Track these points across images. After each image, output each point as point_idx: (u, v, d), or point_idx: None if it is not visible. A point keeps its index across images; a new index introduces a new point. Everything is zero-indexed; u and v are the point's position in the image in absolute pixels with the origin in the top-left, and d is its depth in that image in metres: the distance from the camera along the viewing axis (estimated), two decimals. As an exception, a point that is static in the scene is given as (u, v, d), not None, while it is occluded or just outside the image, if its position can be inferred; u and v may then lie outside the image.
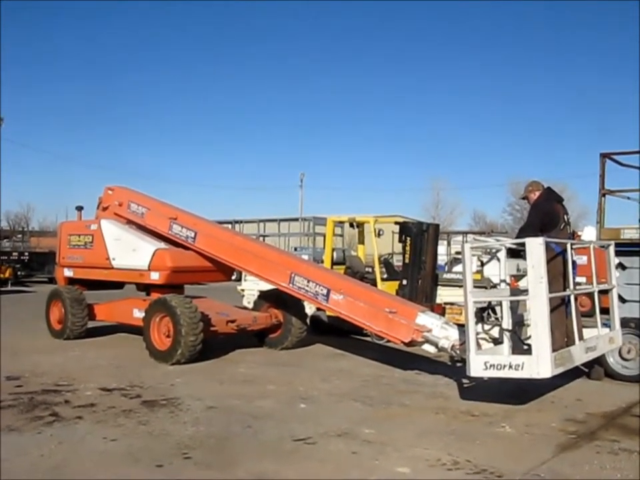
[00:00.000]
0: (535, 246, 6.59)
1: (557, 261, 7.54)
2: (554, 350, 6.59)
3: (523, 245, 6.86)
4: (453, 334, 7.86)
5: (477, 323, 7.09)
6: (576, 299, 7.58)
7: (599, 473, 5.21)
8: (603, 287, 8.31)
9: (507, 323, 7.43)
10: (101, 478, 4.87)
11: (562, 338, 7.43)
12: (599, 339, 7.91)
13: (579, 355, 7.31)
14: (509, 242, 7.75)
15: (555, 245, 7.53)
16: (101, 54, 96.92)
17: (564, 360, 6.87)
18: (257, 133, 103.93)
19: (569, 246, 7.57)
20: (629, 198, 9.95)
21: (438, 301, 12.71)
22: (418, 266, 11.77)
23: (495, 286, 8.09)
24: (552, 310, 6.81)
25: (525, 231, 7.98)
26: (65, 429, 6.16)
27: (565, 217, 8.14)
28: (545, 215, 7.96)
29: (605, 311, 8.32)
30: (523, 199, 8.55)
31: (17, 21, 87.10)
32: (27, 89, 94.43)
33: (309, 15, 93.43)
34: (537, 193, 8.23)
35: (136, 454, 5.45)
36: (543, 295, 6.48)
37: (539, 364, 6.44)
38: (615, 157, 9.64)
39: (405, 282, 11.78)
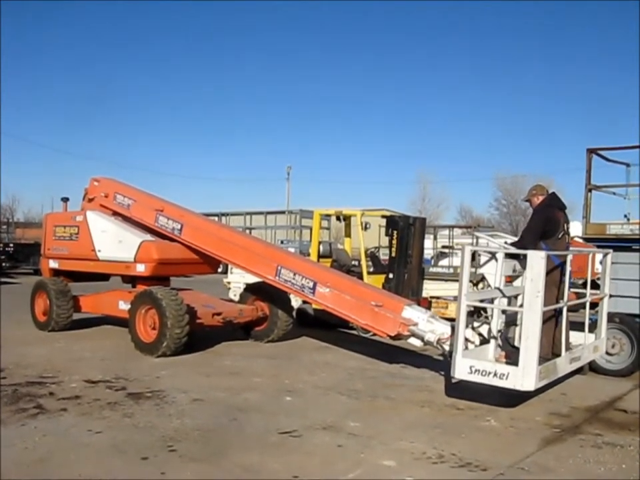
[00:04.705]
0: (537, 260, 6.48)
1: (554, 273, 7.50)
2: (540, 357, 6.56)
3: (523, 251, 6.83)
4: (439, 328, 7.88)
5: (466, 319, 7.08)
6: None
7: (583, 467, 5.24)
8: (595, 296, 8.33)
9: (495, 325, 7.43)
10: (85, 470, 4.84)
11: (549, 346, 7.42)
12: (584, 349, 7.96)
13: (563, 366, 7.33)
14: (511, 249, 7.69)
15: (554, 257, 7.48)
16: (89, 46, 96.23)
17: (548, 373, 6.87)
18: (244, 125, 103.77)
19: (568, 258, 7.54)
20: (614, 193, 10.00)
21: (424, 294, 12.78)
22: (404, 259, 11.80)
23: (484, 280, 8.07)
24: (544, 321, 6.79)
25: (524, 236, 7.95)
26: (49, 421, 6.13)
27: (565, 225, 7.99)
28: (546, 222, 7.85)
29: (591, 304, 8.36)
30: (526, 201, 8.46)
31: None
32: (11, 79, 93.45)
33: (296, 10, 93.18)
34: (540, 198, 8.08)
35: (121, 446, 5.43)
36: (537, 310, 6.42)
37: (524, 376, 6.41)
38: (601, 152, 9.68)
39: (391, 275, 11.80)
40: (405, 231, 11.87)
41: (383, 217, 13.47)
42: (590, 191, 9.34)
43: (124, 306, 10.44)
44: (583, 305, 8.24)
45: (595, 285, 8.74)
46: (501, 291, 7.37)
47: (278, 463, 5.12)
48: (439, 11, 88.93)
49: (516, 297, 7.59)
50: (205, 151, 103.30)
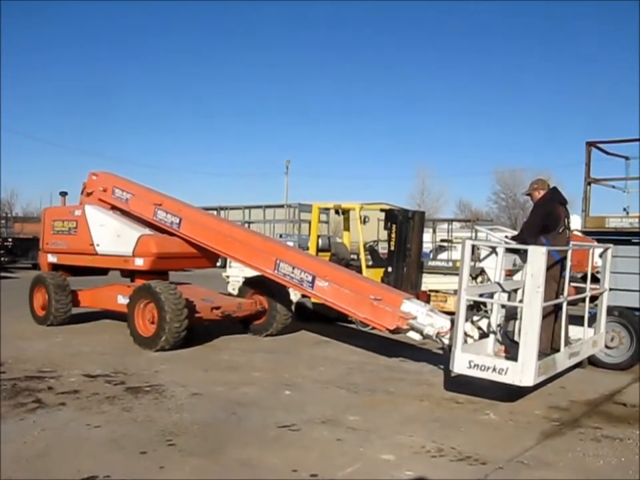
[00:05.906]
0: (537, 255, 6.45)
1: (554, 268, 7.48)
2: (539, 352, 6.54)
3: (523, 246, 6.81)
4: (438, 321, 7.87)
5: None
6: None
7: (582, 460, 5.25)
8: (595, 291, 8.31)
9: (495, 319, 7.42)
10: (84, 465, 4.83)
11: (548, 341, 7.40)
12: (583, 344, 7.96)
13: (562, 361, 7.33)
14: (512, 244, 7.67)
15: (555, 253, 7.45)
16: (89, 40, 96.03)
17: (547, 368, 6.86)
18: (243, 119, 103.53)
19: (569, 253, 7.52)
20: (614, 187, 9.99)
21: (423, 288, 12.78)
22: (403, 253, 11.79)
23: (484, 273, 8.05)
24: (543, 316, 6.77)
25: (524, 231, 7.93)
26: (48, 415, 6.13)
27: (566, 220, 7.94)
28: (546, 217, 7.81)
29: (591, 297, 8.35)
30: (527, 195, 8.43)
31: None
32: (11, 74, 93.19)
33: (295, 6, 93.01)
34: (541, 192, 8.03)
35: (119, 441, 5.43)
36: (537, 305, 6.39)
37: (523, 372, 6.39)
38: (600, 145, 9.67)
39: (390, 269, 11.80)
40: (404, 224, 11.86)
41: (382, 210, 13.45)
42: (589, 184, 9.33)
43: (123, 300, 10.43)
44: (582, 299, 8.23)
45: (595, 279, 8.72)
46: (500, 285, 7.35)
47: (277, 457, 5.12)
48: (439, 8, 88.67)
49: (516, 290, 7.57)
50: (204, 145, 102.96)
